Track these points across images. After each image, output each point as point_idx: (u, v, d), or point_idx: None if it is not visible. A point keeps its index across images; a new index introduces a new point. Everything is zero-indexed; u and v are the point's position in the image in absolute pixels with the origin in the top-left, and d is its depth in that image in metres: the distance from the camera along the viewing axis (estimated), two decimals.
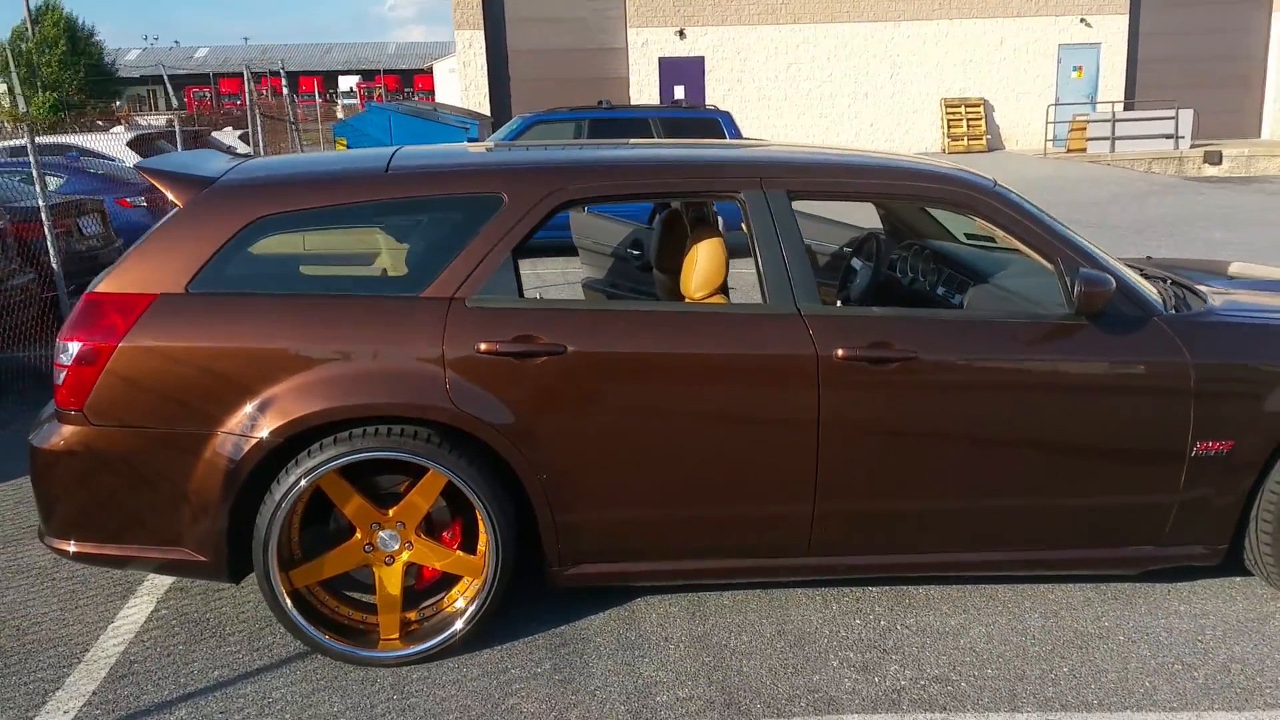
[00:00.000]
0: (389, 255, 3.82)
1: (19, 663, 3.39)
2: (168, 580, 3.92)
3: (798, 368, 3.30)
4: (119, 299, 3.22)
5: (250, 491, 3.24)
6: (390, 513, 3.30)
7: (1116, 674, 3.24)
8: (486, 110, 24.14)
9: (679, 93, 25.34)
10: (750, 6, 24.98)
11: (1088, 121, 22.99)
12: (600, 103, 12.87)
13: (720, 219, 5.37)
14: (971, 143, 24.71)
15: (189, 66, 60.75)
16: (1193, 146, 22.79)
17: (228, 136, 20.08)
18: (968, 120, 24.78)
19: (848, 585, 3.80)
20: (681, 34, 25.12)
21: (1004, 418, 3.39)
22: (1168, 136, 22.62)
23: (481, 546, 3.36)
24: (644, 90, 25.20)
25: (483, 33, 24.63)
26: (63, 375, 3.21)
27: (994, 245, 4.78)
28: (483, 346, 3.22)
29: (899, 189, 3.55)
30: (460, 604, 3.38)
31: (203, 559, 3.28)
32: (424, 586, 3.50)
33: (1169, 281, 4.00)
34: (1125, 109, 24.06)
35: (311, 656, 3.36)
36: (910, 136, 25.26)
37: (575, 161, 3.50)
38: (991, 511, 3.48)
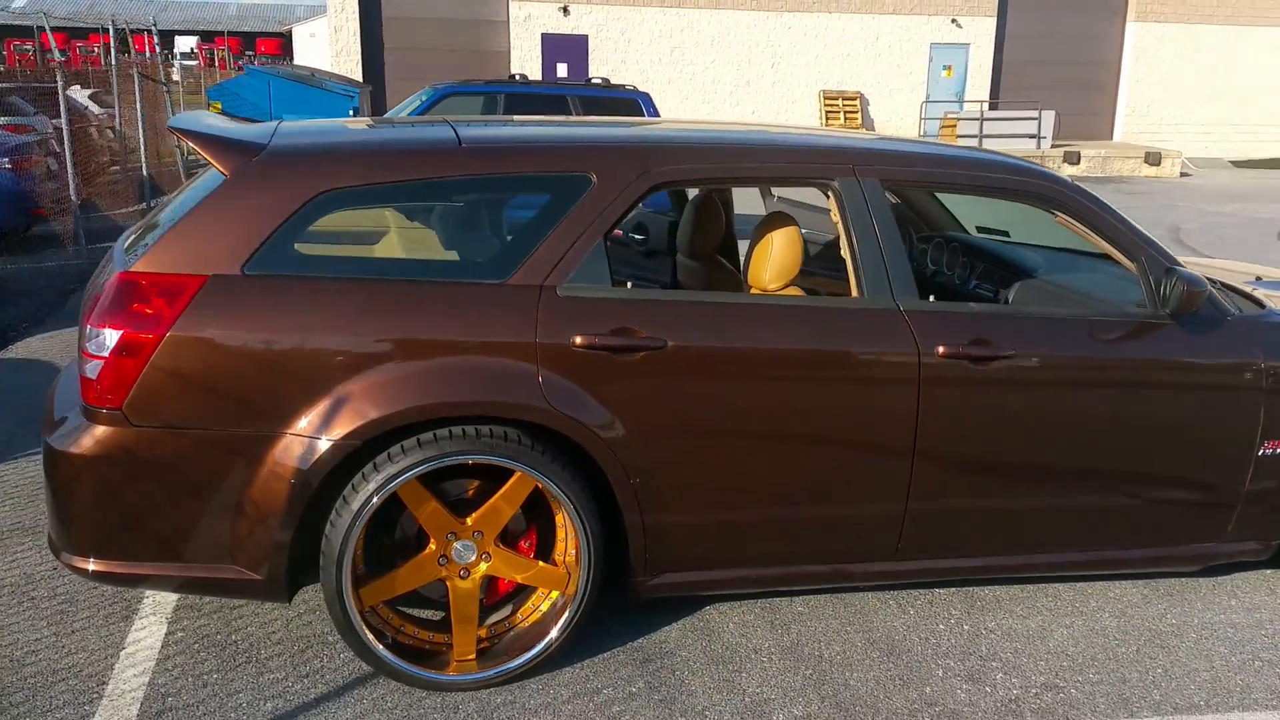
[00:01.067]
0: (458, 237, 3.48)
1: (27, 700, 2.93)
2: (170, 597, 3.49)
3: (899, 365, 3.15)
4: (163, 280, 2.80)
5: (317, 502, 2.88)
6: (468, 521, 2.99)
7: (1208, 673, 3.22)
8: (359, 78, 23.21)
9: (562, 70, 24.97)
10: None
11: (958, 119, 23.72)
12: (514, 76, 12.45)
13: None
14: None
15: (4, 18, 56.22)
16: (1053, 146, 23.80)
17: (79, 96, 18.61)
18: (844, 113, 25.24)
19: (916, 588, 3.69)
20: (565, 11, 24.70)
21: (1091, 416, 3.33)
22: (1031, 136, 23.54)
23: (559, 556, 3.10)
24: (525, 66, 24.69)
25: None
26: (97, 368, 2.77)
27: (1008, 239, 4.75)
28: (578, 340, 2.95)
29: (990, 180, 3.44)
30: (537, 618, 3.11)
31: (257, 577, 2.90)
32: (492, 601, 3.21)
33: (1218, 284, 4.03)
34: (991, 108, 24.94)
35: (374, 682, 3.03)
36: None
37: (669, 140, 3.24)
38: (1074, 511, 3.43)
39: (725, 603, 3.54)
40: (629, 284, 3.15)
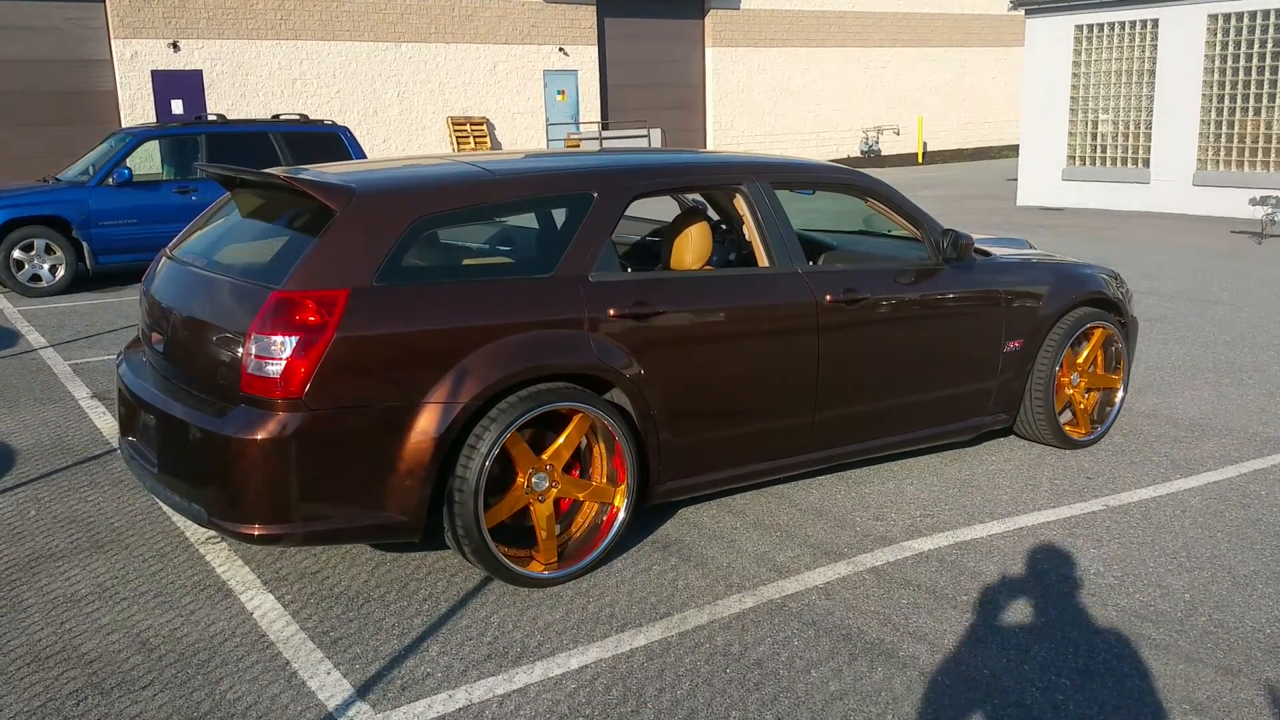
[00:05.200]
0: (504, 244, 4.41)
1: (221, 665, 3.52)
2: (250, 576, 4.09)
3: (805, 309, 4.52)
4: (317, 295, 3.54)
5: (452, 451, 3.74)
6: (544, 457, 3.96)
7: (1006, 495, 4.89)
8: None
9: (177, 107, 24.18)
10: (249, 20, 24.52)
11: (580, 139, 25.92)
12: (202, 117, 12.52)
13: None
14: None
15: None
16: None
17: None
18: (474, 138, 26.60)
19: (815, 474, 5.09)
20: (175, 46, 23.94)
21: (912, 334, 4.90)
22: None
23: (596, 478, 4.14)
24: (137, 105, 23.66)
25: None
26: (279, 367, 3.47)
27: (819, 231, 6.29)
28: (611, 312, 4.03)
29: (831, 179, 4.90)
30: (587, 527, 4.12)
31: (404, 519, 3.71)
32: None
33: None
34: (605, 128, 27.42)
35: (475, 596, 3.91)
36: (423, 152, 26.47)
37: (640, 165, 4.39)
38: (906, 405, 4.98)
39: (688, 506, 4.74)
40: (628, 269, 4.26)
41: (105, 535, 4.55)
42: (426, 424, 3.66)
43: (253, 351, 3.51)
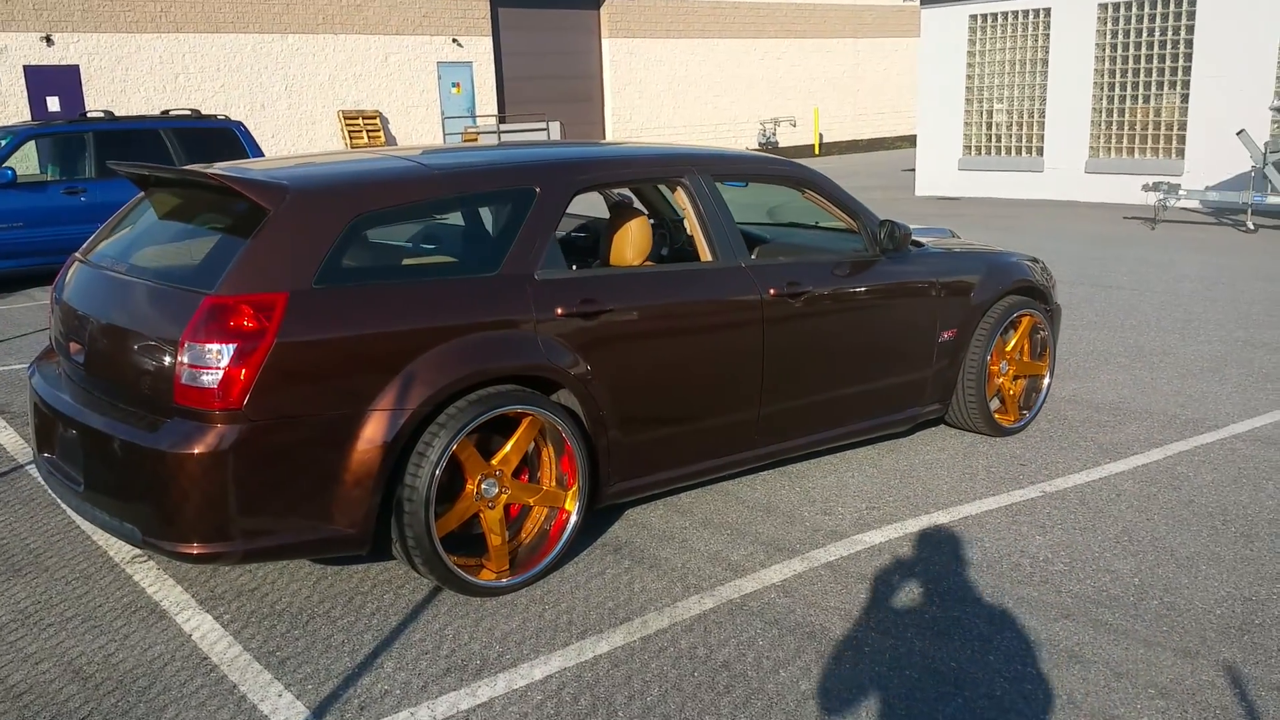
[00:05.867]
0: (446, 242, 4.26)
1: (163, 691, 3.30)
2: (182, 595, 3.87)
3: (750, 304, 4.48)
4: (253, 300, 3.35)
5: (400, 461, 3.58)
6: (493, 463, 3.83)
7: (946, 484, 4.93)
8: None
9: (53, 104, 23.06)
10: (127, 13, 23.52)
11: (478, 133, 25.56)
12: (97, 114, 11.94)
13: None
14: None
15: None
16: None
17: None
18: (367, 132, 26.01)
19: (759, 470, 5.05)
20: (49, 40, 22.82)
21: (851, 325, 4.89)
22: None
23: (545, 482, 4.02)
24: (9, 102, 22.50)
25: None
26: (212, 376, 3.26)
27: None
28: (559, 311, 3.92)
29: (768, 170, 4.86)
30: (537, 532, 4.00)
31: (351, 532, 3.54)
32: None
33: None
34: (502, 121, 27.11)
35: (428, 606, 3.77)
36: (314, 147, 25.78)
37: (583, 158, 4.27)
38: (847, 397, 4.97)
39: (635, 507, 4.65)
40: (573, 267, 4.15)
41: (22, 558, 4.26)
42: (373, 432, 3.50)
43: (185, 361, 3.30)
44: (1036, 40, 18.02)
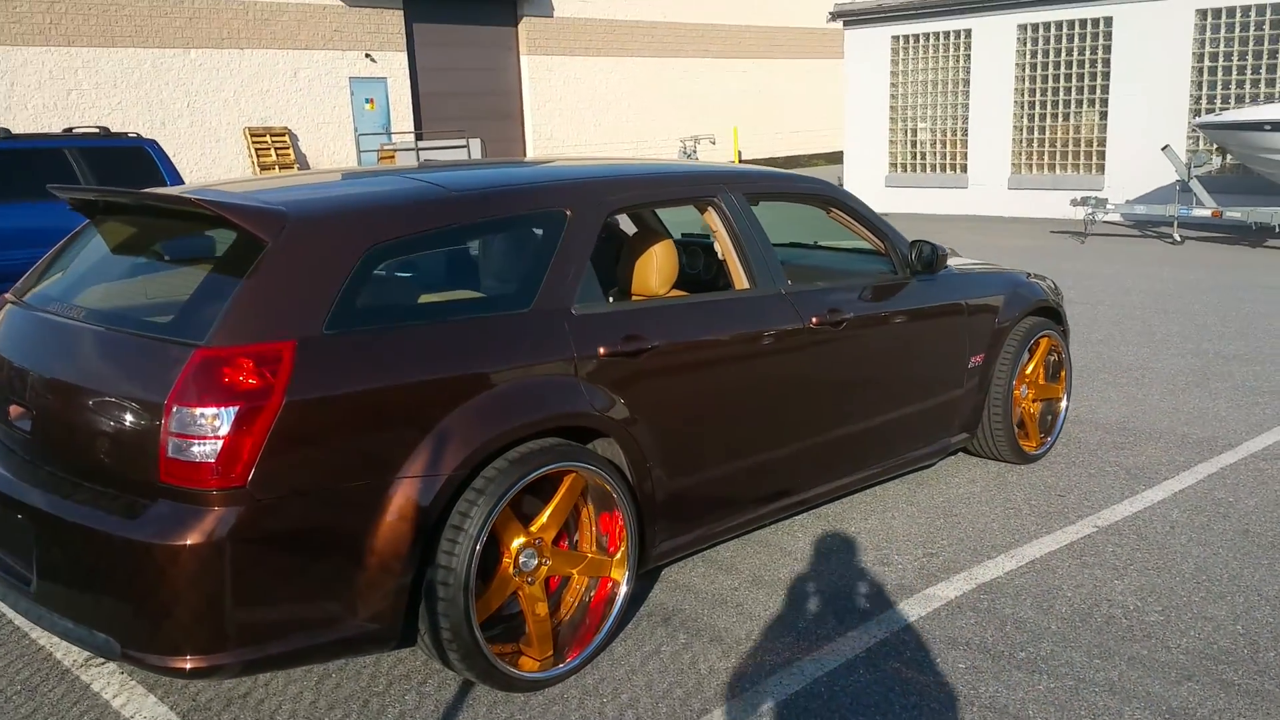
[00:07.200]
0: (469, 275, 3.68)
1: None
2: (125, 681, 3.22)
3: (793, 335, 4.01)
4: (255, 351, 2.74)
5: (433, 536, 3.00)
6: (533, 529, 3.27)
7: (997, 524, 4.52)
8: None
9: None
10: (12, 24, 22.12)
11: (395, 150, 24.70)
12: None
13: None
14: (284, 171, 24.93)
15: None
16: None
17: None
18: (275, 149, 24.94)
19: (797, 517, 4.57)
20: None
21: (890, 350, 4.46)
22: None
23: (585, 547, 3.48)
24: None
25: None
26: (208, 448, 2.65)
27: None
28: (602, 350, 3.39)
29: (795, 189, 4.40)
30: (578, 607, 3.45)
31: (376, 627, 2.94)
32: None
33: None
34: (418, 139, 26.29)
35: (446, 685, 3.19)
36: (218, 166, 24.62)
37: (614, 176, 3.74)
38: (886, 431, 4.53)
39: (672, 567, 4.13)
40: (610, 299, 3.62)
41: None
42: (403, 504, 2.91)
43: (173, 429, 2.67)
44: (958, 60, 18.07)
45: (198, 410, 2.66)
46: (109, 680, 3.37)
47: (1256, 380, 6.84)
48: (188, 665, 2.72)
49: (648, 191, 3.80)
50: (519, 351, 3.19)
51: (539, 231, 3.47)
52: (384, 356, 2.92)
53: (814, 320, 4.08)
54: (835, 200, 4.52)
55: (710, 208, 4.04)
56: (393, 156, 24.65)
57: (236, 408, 2.67)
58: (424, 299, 3.21)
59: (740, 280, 4.02)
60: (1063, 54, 16.90)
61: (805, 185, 4.45)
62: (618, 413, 3.41)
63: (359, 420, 2.85)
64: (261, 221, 2.94)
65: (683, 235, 5.82)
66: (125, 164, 10.86)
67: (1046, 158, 17.35)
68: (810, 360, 4.07)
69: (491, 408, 3.08)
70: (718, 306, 3.80)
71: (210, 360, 2.70)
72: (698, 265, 5.33)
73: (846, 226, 4.66)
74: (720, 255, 4.18)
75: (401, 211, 3.16)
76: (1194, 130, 15.51)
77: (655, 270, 4.09)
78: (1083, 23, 16.60)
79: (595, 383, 3.36)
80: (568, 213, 3.51)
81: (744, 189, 4.14)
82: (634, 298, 4.15)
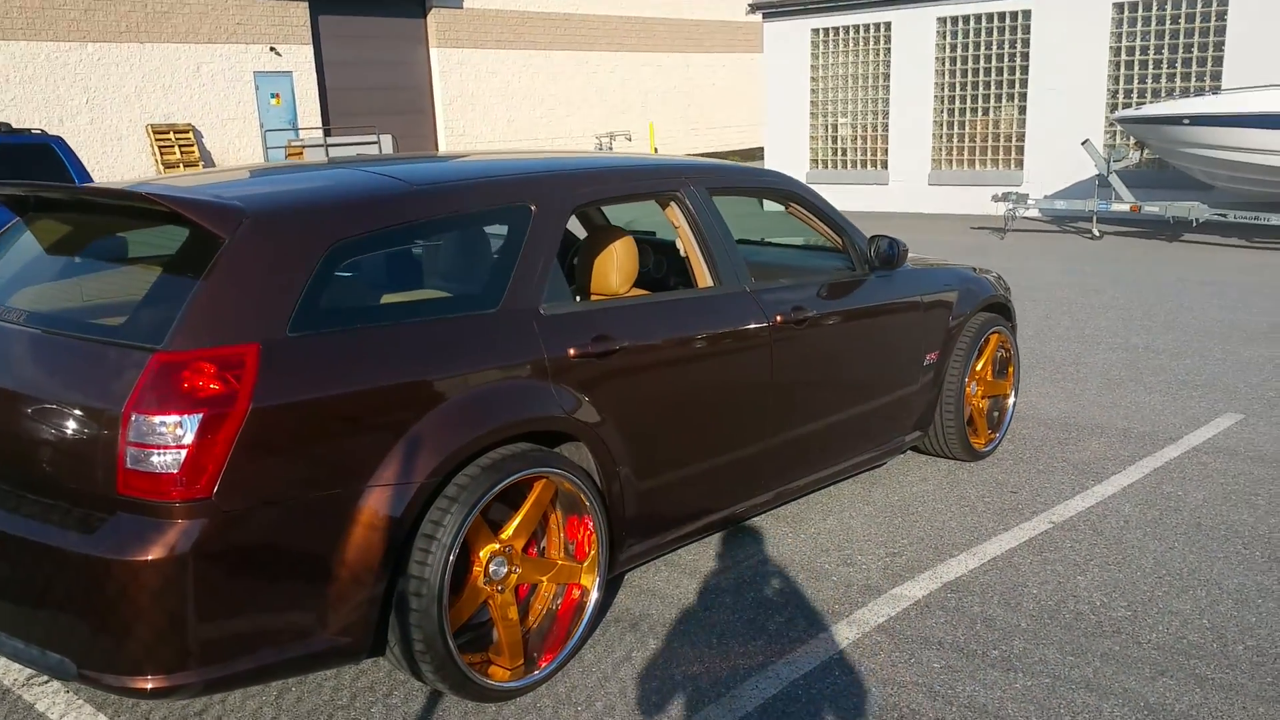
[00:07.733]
0: (434, 273, 3.50)
1: None
2: (61, 701, 3.01)
3: (758, 333, 3.94)
4: (217, 355, 2.57)
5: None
6: (503, 536, 3.15)
7: (955, 522, 4.52)
8: None
9: None
10: None
11: (303, 146, 24.09)
12: None
13: None
14: (188, 169, 24.14)
15: None
16: None
17: None
18: (179, 146, 24.13)
19: (744, 523, 4.50)
20: None
21: (850, 348, 4.42)
22: None
23: (552, 553, 3.37)
24: None
25: None
26: (170, 458, 2.47)
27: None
28: (571, 351, 3.27)
29: (759, 183, 4.34)
30: (544, 614, 3.34)
31: (346, 641, 2.79)
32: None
33: None
34: (327, 134, 25.69)
35: (413, 697, 3.06)
36: (120, 164, 23.72)
37: (579, 169, 3.62)
38: (847, 430, 4.50)
39: (635, 572, 4.03)
40: (576, 298, 3.51)
41: None
42: (373, 513, 2.76)
43: (131, 438, 2.49)
44: (878, 54, 18.30)
45: (157, 418, 2.48)
46: (54, 699, 3.15)
47: (1188, 374, 7.01)
48: (149, 685, 2.54)
49: (613, 185, 3.70)
50: (490, 353, 3.06)
51: (504, 228, 3.34)
52: (352, 359, 2.77)
53: (778, 318, 4.02)
54: (795, 195, 4.47)
55: (673, 202, 3.96)
56: (301, 153, 24.04)
57: (200, 415, 2.50)
58: (390, 299, 3.06)
59: (704, 278, 3.94)
60: (982, 47, 17.23)
61: (767, 180, 4.39)
62: (587, 415, 3.30)
63: (327, 426, 2.70)
64: (217, 217, 2.76)
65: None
66: (30, 162, 10.34)
67: (967, 153, 17.67)
68: (776, 358, 4.02)
69: (463, 412, 2.94)
70: (686, 305, 3.71)
71: (169, 365, 2.52)
72: (647, 263, 5.24)
73: (804, 221, 4.62)
74: (683, 252, 4.11)
75: (364, 206, 3.00)
76: (1112, 124, 15.93)
77: (616, 268, 3.98)
78: (1001, 15, 16.94)
79: (565, 385, 3.25)
80: (533, 208, 3.39)
81: (707, 183, 4.06)
82: (594, 297, 4.05)
